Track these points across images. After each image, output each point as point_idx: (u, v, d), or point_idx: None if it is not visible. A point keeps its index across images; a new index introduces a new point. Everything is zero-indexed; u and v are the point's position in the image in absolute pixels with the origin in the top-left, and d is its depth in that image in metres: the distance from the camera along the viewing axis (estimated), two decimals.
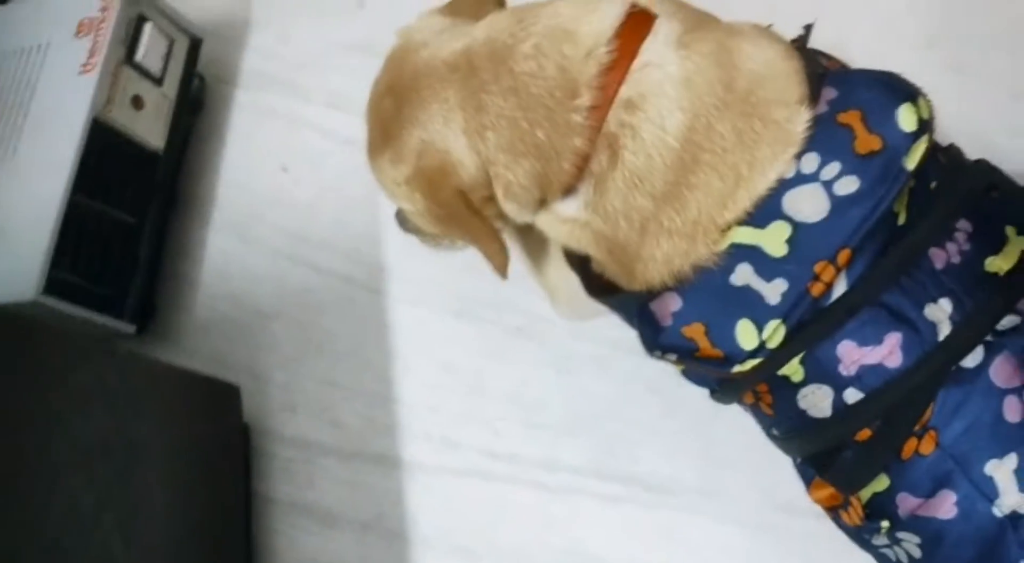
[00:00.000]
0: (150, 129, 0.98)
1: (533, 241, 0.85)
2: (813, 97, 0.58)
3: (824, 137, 0.57)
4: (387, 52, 0.71)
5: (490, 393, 0.93)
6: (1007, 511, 0.55)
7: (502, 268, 0.68)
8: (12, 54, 0.93)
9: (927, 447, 0.56)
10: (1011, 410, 0.54)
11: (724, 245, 0.58)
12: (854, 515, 0.61)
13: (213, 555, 0.83)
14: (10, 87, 0.91)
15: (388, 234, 1.00)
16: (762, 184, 0.57)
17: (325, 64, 1.08)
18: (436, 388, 0.94)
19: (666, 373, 0.71)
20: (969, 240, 0.57)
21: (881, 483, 0.59)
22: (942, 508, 0.56)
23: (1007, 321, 0.56)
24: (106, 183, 0.93)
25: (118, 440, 0.70)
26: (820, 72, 0.61)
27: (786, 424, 0.63)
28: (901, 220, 0.57)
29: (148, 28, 0.96)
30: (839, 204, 0.55)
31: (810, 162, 0.57)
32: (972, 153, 0.68)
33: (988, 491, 0.55)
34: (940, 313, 0.55)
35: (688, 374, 0.69)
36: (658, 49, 0.59)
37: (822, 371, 0.58)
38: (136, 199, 0.97)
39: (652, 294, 0.62)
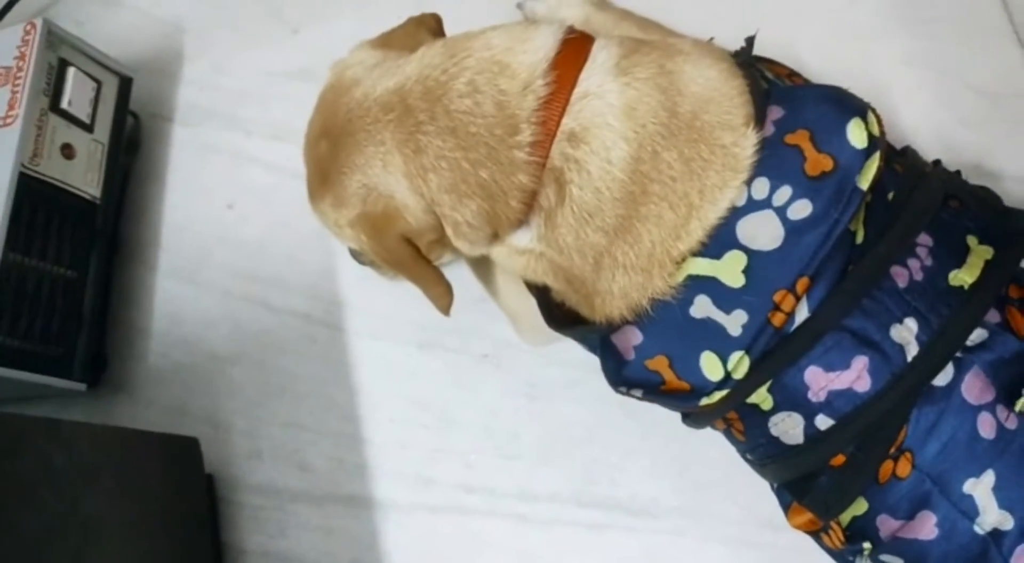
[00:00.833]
0: (84, 177, 0.94)
1: (491, 266, 0.82)
2: (759, 117, 0.56)
3: (773, 160, 0.55)
4: (319, 90, 0.69)
5: (461, 425, 0.90)
6: (988, 528, 0.54)
7: (445, 310, 0.67)
8: None
9: (903, 469, 0.55)
10: (985, 426, 0.54)
11: (680, 277, 0.56)
12: (835, 539, 0.60)
13: None
14: None
15: (343, 267, 0.97)
16: (714, 213, 0.55)
17: (264, 93, 1.05)
18: (405, 423, 0.91)
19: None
20: (931, 255, 0.56)
21: (860, 507, 0.58)
22: (923, 530, 0.56)
23: (975, 335, 0.55)
24: (42, 238, 0.89)
25: (70, 522, 0.66)
26: (765, 89, 0.59)
27: (759, 451, 0.61)
28: (859, 238, 0.56)
29: (71, 73, 0.92)
30: (793, 230, 0.53)
31: (761, 187, 0.55)
32: (928, 146, 0.67)
33: (968, 509, 0.54)
34: (906, 333, 0.54)
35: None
36: (597, 77, 0.57)
37: (791, 398, 0.56)
38: (76, 251, 0.93)
39: (613, 327, 0.60)
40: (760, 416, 0.59)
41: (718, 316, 0.55)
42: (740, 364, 0.55)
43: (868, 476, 0.56)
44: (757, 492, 0.75)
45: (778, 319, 0.54)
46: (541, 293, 0.67)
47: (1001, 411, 0.54)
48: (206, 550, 0.86)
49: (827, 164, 0.54)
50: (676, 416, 0.67)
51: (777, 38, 0.74)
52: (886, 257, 0.55)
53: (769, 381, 0.57)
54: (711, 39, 0.64)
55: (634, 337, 0.59)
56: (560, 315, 0.66)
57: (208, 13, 1.10)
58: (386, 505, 0.89)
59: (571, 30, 0.61)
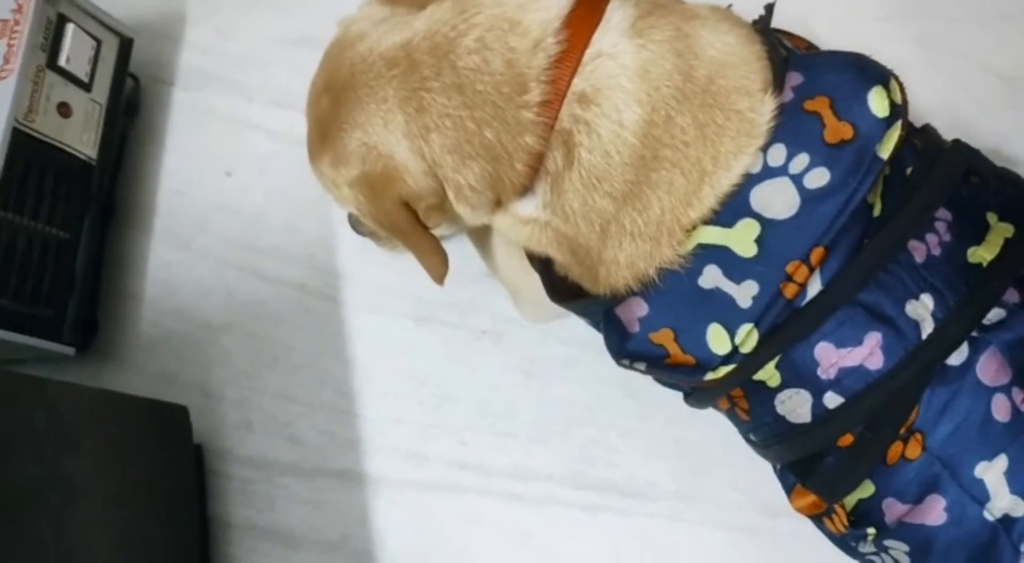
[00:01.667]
0: (81, 137, 0.92)
1: (493, 240, 0.80)
2: (777, 83, 0.54)
3: (791, 127, 0.53)
4: (326, 45, 0.67)
5: (456, 401, 0.88)
6: (999, 514, 0.52)
7: (440, 280, 0.64)
8: None
9: (913, 451, 0.53)
10: (1000, 409, 0.52)
11: (690, 246, 0.54)
12: (838, 523, 0.58)
13: None
14: None
15: (342, 238, 0.95)
16: (727, 180, 0.53)
17: (267, 59, 1.03)
18: (399, 398, 0.89)
19: (640, 374, 0.66)
20: (949, 230, 0.54)
21: (866, 489, 0.56)
22: (931, 514, 0.54)
23: (993, 314, 0.53)
24: (35, 198, 0.86)
25: (51, 484, 0.64)
26: (784, 56, 0.57)
27: (764, 430, 0.59)
28: (876, 211, 0.54)
29: (70, 29, 0.89)
30: (809, 199, 0.51)
31: (777, 154, 0.53)
32: (943, 129, 0.65)
33: (978, 494, 0.52)
34: (922, 310, 0.52)
35: (660, 381, 0.65)
36: (611, 38, 0.55)
37: (799, 375, 0.54)
38: (70, 213, 0.91)
39: (617, 299, 0.58)
40: (766, 393, 0.57)
41: (728, 286, 0.53)
42: (748, 337, 0.54)
43: (876, 457, 0.54)
44: (757, 477, 0.73)
45: (790, 290, 0.52)
46: (544, 266, 0.65)
47: (1017, 394, 0.52)
48: (193, 521, 0.84)
49: (847, 132, 0.52)
50: (676, 397, 0.65)
51: (793, 16, 0.72)
52: (904, 230, 0.53)
53: (778, 356, 0.55)
54: (729, 6, 0.62)
55: (639, 309, 0.58)
56: (563, 288, 0.64)
57: None
58: (378, 481, 0.87)
59: None
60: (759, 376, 0.56)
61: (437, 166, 0.58)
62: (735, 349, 0.54)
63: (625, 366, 0.60)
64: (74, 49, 0.90)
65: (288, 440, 0.90)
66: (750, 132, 0.53)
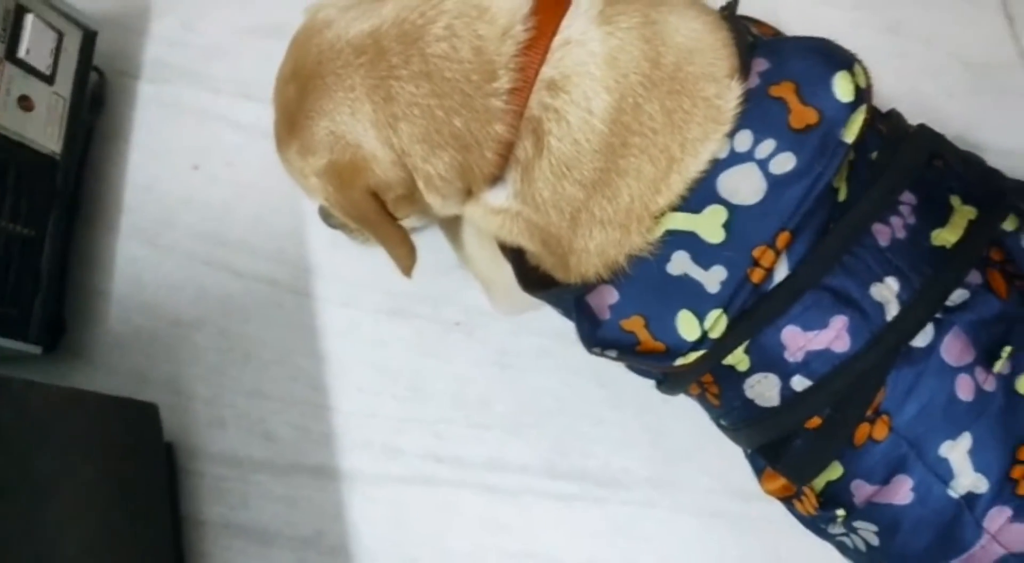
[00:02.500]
0: (44, 132, 0.90)
1: (464, 231, 0.80)
2: (743, 70, 0.55)
3: (757, 112, 0.54)
4: (294, 32, 0.66)
5: (430, 394, 0.88)
6: (963, 492, 0.54)
7: (407, 271, 0.64)
8: None
9: (880, 432, 0.54)
10: (963, 388, 0.53)
11: (659, 233, 0.55)
12: (808, 505, 0.59)
13: None
14: None
15: (312, 232, 0.94)
16: (695, 166, 0.54)
17: (234, 50, 1.01)
18: (373, 392, 0.89)
19: (612, 364, 0.67)
20: (914, 213, 0.55)
21: (835, 471, 0.57)
22: (898, 494, 0.55)
23: (956, 296, 0.54)
24: None
25: (19, 482, 0.63)
26: (750, 42, 0.58)
27: (734, 415, 0.60)
28: (842, 196, 0.55)
29: (30, 20, 0.87)
30: (775, 184, 0.52)
31: (743, 140, 0.53)
32: (912, 116, 0.66)
33: (943, 473, 0.54)
34: (887, 292, 0.53)
35: (632, 367, 0.66)
36: (579, 25, 0.55)
37: (767, 359, 0.55)
38: (34, 209, 0.89)
39: (588, 287, 0.59)
40: (736, 378, 0.58)
41: (696, 272, 0.54)
42: (717, 323, 0.54)
43: (844, 439, 0.55)
44: (728, 463, 0.74)
45: (757, 275, 0.53)
46: (515, 256, 0.65)
47: (980, 373, 0.53)
48: (164, 519, 0.83)
49: (812, 117, 0.53)
50: (648, 387, 0.66)
51: (762, 4, 0.73)
52: (868, 214, 0.54)
53: (746, 341, 0.55)
54: None
55: (610, 296, 0.58)
56: (535, 278, 0.65)
57: None
58: (353, 475, 0.87)
59: None
60: (728, 361, 0.57)
61: (406, 155, 0.58)
62: (704, 335, 0.54)
63: (596, 354, 0.60)
64: (34, 41, 0.88)
65: (261, 436, 0.89)
66: (717, 118, 0.54)
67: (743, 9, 0.66)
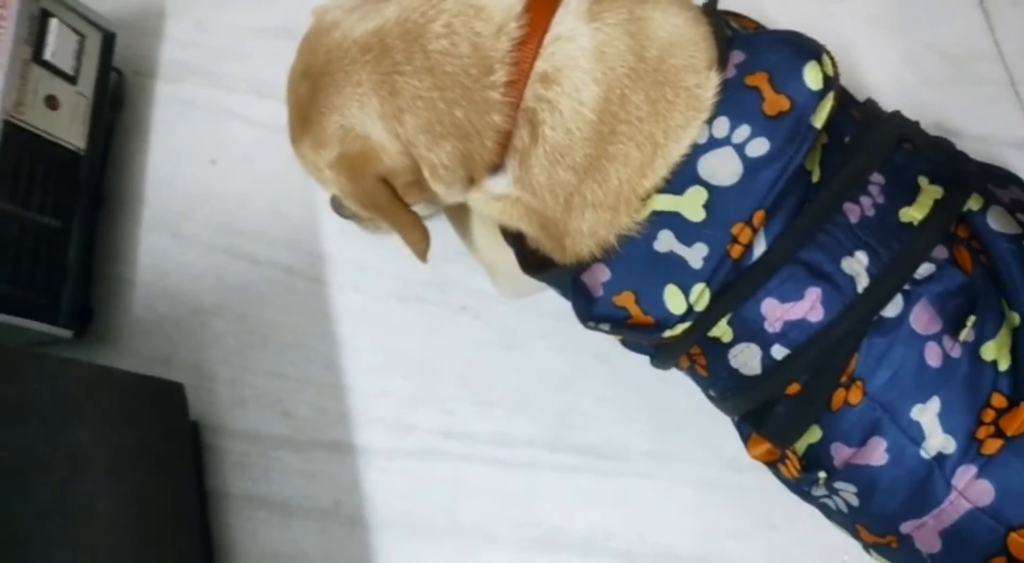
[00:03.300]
0: (69, 129, 0.95)
1: (469, 219, 0.84)
2: (722, 61, 0.59)
3: (733, 101, 0.58)
4: (303, 34, 0.70)
5: (439, 374, 0.93)
6: (933, 453, 0.57)
7: (422, 254, 0.68)
8: None
9: (855, 397, 0.58)
10: (932, 355, 0.57)
11: (645, 213, 0.59)
12: (792, 468, 0.63)
13: (171, 557, 0.82)
14: None
15: (325, 221, 0.98)
16: (677, 151, 0.58)
17: (245, 50, 1.06)
18: (385, 373, 0.94)
19: (611, 342, 0.72)
20: (883, 192, 0.59)
21: (814, 434, 0.61)
22: (874, 455, 0.59)
23: (923, 269, 0.57)
24: (26, 187, 0.89)
25: (55, 453, 0.68)
26: (728, 36, 0.62)
27: (721, 384, 0.64)
28: (815, 177, 0.59)
29: (54, 24, 0.92)
30: (751, 166, 0.56)
31: (721, 126, 0.57)
32: (890, 105, 0.69)
33: (915, 435, 0.57)
34: (857, 266, 0.57)
35: (626, 343, 0.70)
36: (569, 22, 0.59)
37: (749, 330, 0.59)
38: (61, 201, 0.94)
39: (583, 267, 0.63)
40: (721, 349, 0.62)
41: (680, 250, 0.58)
42: (702, 296, 0.58)
43: (821, 403, 0.59)
44: (722, 436, 0.78)
45: (736, 251, 0.57)
46: (516, 241, 0.69)
47: (947, 341, 0.57)
48: (191, 493, 0.88)
49: (784, 104, 0.57)
50: (646, 364, 0.70)
51: None
52: (839, 193, 0.58)
53: (729, 314, 0.59)
54: None
55: (602, 274, 0.62)
56: (534, 261, 0.69)
57: None
58: (367, 450, 0.92)
59: None
60: (713, 333, 0.61)
61: (411, 145, 0.62)
62: (690, 308, 0.59)
63: (591, 328, 0.64)
64: (59, 43, 0.93)
65: (280, 415, 0.94)
66: (697, 106, 0.58)
67: (729, 3, 0.70)
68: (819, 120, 0.56)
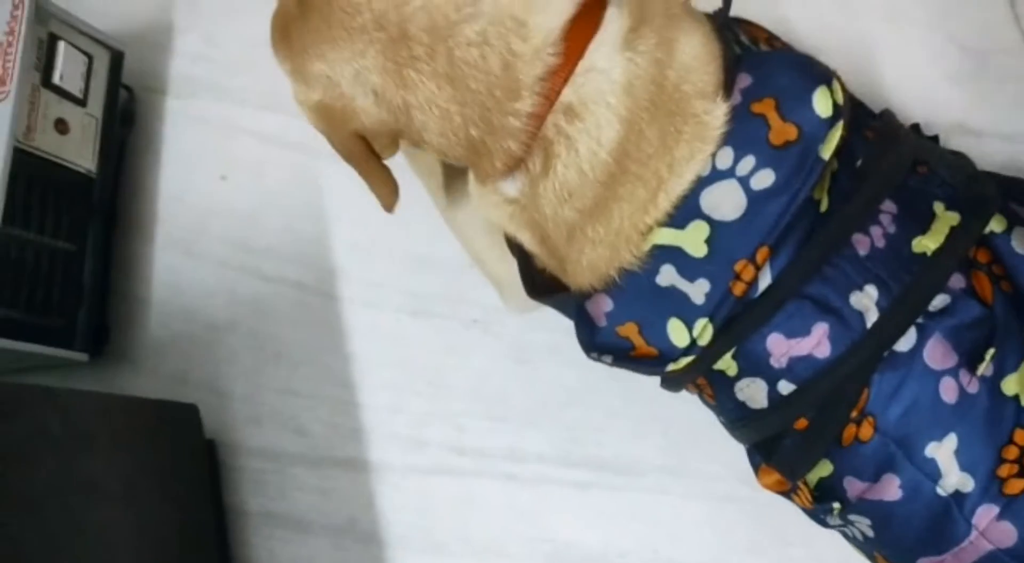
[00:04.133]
0: (79, 151, 0.95)
1: (475, 231, 0.84)
2: (728, 85, 0.57)
3: (739, 130, 0.56)
4: None
5: (451, 389, 0.93)
6: (951, 490, 0.56)
7: (389, 208, 0.66)
8: None
9: (866, 433, 0.56)
10: (947, 391, 0.55)
11: (646, 247, 0.57)
12: (804, 499, 0.62)
13: None
14: None
15: (335, 237, 0.98)
16: (680, 186, 0.56)
17: (253, 63, 1.05)
18: (397, 388, 0.94)
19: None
20: (894, 222, 0.57)
21: (825, 469, 0.60)
22: (888, 491, 0.57)
23: (938, 301, 0.55)
24: (39, 212, 0.90)
25: (67, 484, 0.69)
26: (736, 54, 0.59)
27: (728, 414, 0.63)
28: (823, 207, 0.57)
29: (62, 47, 0.92)
30: (756, 199, 0.54)
31: (725, 157, 0.55)
32: (912, 103, 0.67)
33: (931, 472, 0.56)
34: (866, 300, 0.55)
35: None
36: (604, 51, 0.55)
37: (754, 364, 0.58)
38: (74, 224, 0.95)
39: (586, 294, 0.62)
40: (727, 381, 0.61)
41: (682, 285, 0.57)
42: (704, 331, 0.57)
43: (829, 439, 0.58)
44: (735, 450, 0.76)
45: (738, 289, 0.55)
46: (523, 261, 0.68)
47: (963, 375, 0.55)
48: (207, 512, 0.89)
49: (791, 133, 0.54)
50: (656, 381, 0.69)
51: None
52: (847, 225, 0.56)
53: (733, 348, 0.58)
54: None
55: (605, 304, 0.61)
56: (541, 282, 0.68)
57: None
58: (381, 467, 0.92)
59: None
60: (718, 366, 0.60)
61: (420, 132, 0.58)
62: (693, 342, 0.57)
63: (594, 358, 0.63)
64: (67, 66, 0.93)
65: (295, 432, 0.94)
66: (703, 137, 0.56)
67: (745, 5, 0.67)
68: (827, 151, 0.54)
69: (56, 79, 0.92)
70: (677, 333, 0.58)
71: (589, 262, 0.59)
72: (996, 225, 0.59)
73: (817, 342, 0.56)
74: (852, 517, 0.61)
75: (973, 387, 0.55)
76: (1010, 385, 0.55)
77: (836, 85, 0.56)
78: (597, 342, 0.62)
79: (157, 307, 1.00)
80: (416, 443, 0.92)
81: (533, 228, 0.62)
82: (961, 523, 0.55)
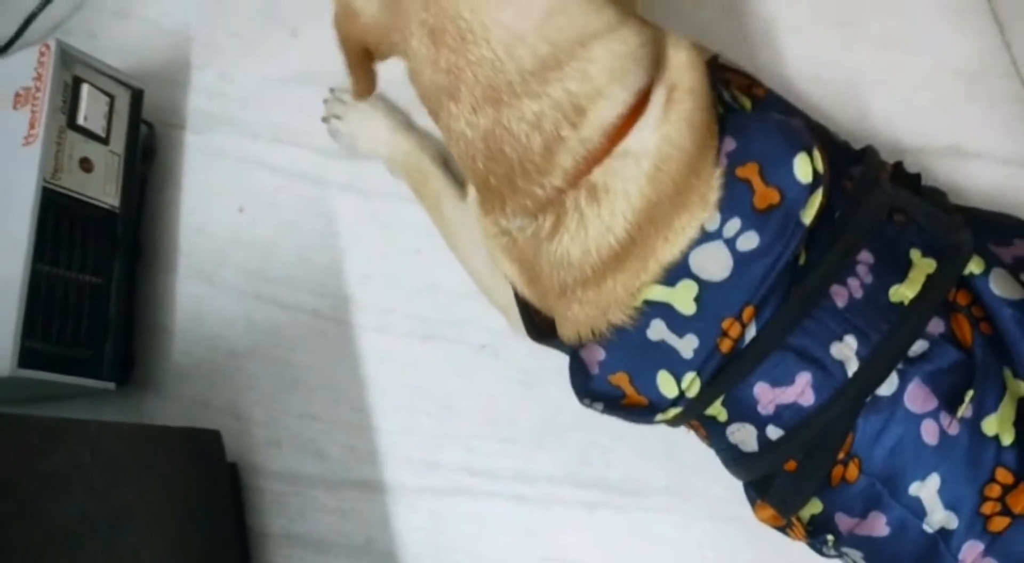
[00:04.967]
0: (103, 188, 1.00)
1: (479, 261, 0.86)
2: (716, 152, 0.58)
3: (726, 194, 0.57)
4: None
5: (462, 412, 0.95)
6: (937, 527, 0.57)
7: (358, 97, 0.69)
8: None
9: (852, 474, 0.59)
10: (928, 433, 0.57)
11: (637, 303, 0.59)
12: (798, 533, 0.64)
13: None
14: None
15: (348, 266, 1.02)
16: (671, 255, 0.58)
17: (267, 99, 1.09)
18: (410, 411, 0.97)
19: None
20: (871, 272, 0.58)
21: (816, 506, 0.62)
22: (876, 528, 0.59)
23: (917, 347, 0.57)
24: (67, 248, 0.95)
25: (99, 513, 0.73)
26: (721, 115, 0.60)
27: (722, 454, 0.66)
28: (803, 260, 0.59)
29: (86, 89, 0.97)
30: (741, 261, 0.56)
31: (712, 220, 0.57)
32: (904, 128, 0.68)
33: (916, 510, 0.57)
34: (846, 350, 0.57)
35: None
36: (644, 133, 0.55)
37: (742, 411, 0.60)
38: (99, 258, 0.99)
39: (581, 343, 0.64)
40: (718, 426, 0.63)
41: (672, 339, 0.59)
42: (692, 384, 0.59)
43: (817, 480, 0.60)
44: None
45: (725, 345, 0.58)
46: (522, 304, 0.71)
47: (944, 417, 0.57)
48: (230, 534, 0.93)
49: (774, 197, 0.56)
50: None
51: (756, 22, 0.76)
52: (824, 279, 0.57)
53: (722, 395, 0.60)
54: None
55: (599, 353, 0.63)
56: (542, 323, 0.70)
57: (213, 22, 1.15)
58: (396, 488, 0.95)
59: (651, 82, 0.56)
60: (709, 412, 0.62)
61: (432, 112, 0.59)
62: (682, 394, 0.60)
63: (586, 405, 0.66)
64: (90, 107, 0.98)
65: (313, 455, 0.98)
66: (702, 206, 0.57)
67: (740, 30, 0.67)
68: (807, 216, 0.57)
69: (81, 120, 0.97)
70: (666, 385, 0.60)
71: (579, 319, 0.61)
72: (975, 267, 0.60)
73: (801, 391, 0.58)
74: (845, 550, 0.63)
75: (954, 429, 0.56)
76: (990, 425, 0.56)
77: (816, 152, 0.57)
78: (590, 388, 0.64)
79: (180, 336, 1.05)
80: (429, 465, 0.95)
81: (523, 267, 0.64)
82: (948, 559, 0.57)
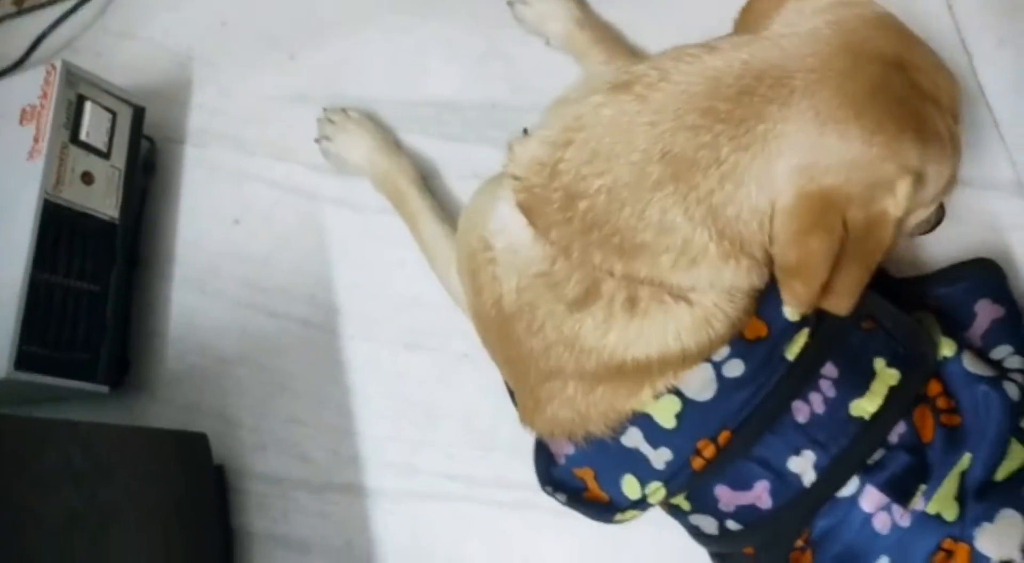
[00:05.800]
0: (103, 201, 1.04)
1: (454, 281, 0.89)
2: None
3: None
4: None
5: (443, 419, 0.98)
6: None
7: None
8: None
9: (808, 561, 0.62)
10: (881, 524, 0.60)
11: (621, 421, 0.62)
12: None
13: None
14: None
15: (338, 278, 1.05)
16: (668, 384, 0.61)
17: (264, 117, 1.13)
18: (393, 418, 1.00)
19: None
20: (834, 386, 0.60)
21: None
22: None
23: (876, 454, 0.60)
24: (66, 257, 0.99)
25: (89, 512, 0.76)
26: None
27: (685, 529, 0.69)
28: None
29: (88, 107, 1.01)
30: (725, 386, 0.59)
31: None
32: None
33: None
34: (804, 464, 0.60)
35: None
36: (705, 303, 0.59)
37: (704, 505, 0.64)
38: (98, 267, 1.03)
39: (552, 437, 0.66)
40: (681, 512, 0.67)
41: (646, 449, 0.61)
42: (656, 492, 0.62)
43: None
44: None
45: (697, 464, 0.60)
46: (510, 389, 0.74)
47: (896, 510, 0.60)
48: (216, 534, 0.96)
49: (762, 330, 0.59)
50: None
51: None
52: (786, 396, 0.60)
53: (685, 492, 0.64)
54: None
55: (567, 448, 0.66)
56: None
57: (214, 42, 1.20)
58: (376, 492, 0.98)
59: None
60: (673, 501, 0.65)
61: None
62: (644, 498, 0.63)
63: (548, 493, 0.68)
64: (93, 123, 1.02)
65: (298, 458, 1.01)
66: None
67: None
68: (791, 353, 0.59)
69: (83, 136, 1.01)
70: (630, 487, 0.63)
71: (558, 419, 0.63)
72: (947, 350, 0.63)
73: (759, 496, 0.61)
74: None
75: (905, 520, 0.59)
76: (932, 507, 0.59)
77: None
78: (553, 476, 0.67)
79: (173, 342, 1.08)
80: (409, 470, 0.98)
81: (522, 315, 0.63)
82: None
